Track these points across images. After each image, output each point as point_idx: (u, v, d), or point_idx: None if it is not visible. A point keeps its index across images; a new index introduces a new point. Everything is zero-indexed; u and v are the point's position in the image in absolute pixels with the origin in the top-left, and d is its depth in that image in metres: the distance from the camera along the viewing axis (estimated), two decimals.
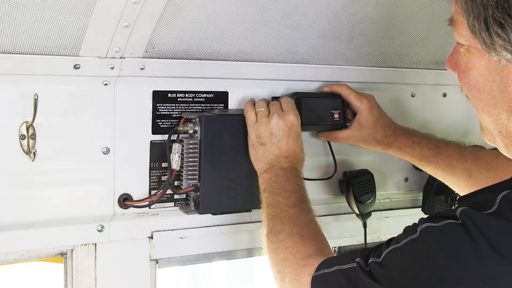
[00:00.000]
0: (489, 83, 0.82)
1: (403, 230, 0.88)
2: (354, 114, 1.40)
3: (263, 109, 1.27)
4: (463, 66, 0.87)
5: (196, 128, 1.25)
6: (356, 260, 0.90)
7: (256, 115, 1.26)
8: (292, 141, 1.24)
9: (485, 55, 0.80)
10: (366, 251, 0.91)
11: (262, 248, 1.17)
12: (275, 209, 1.17)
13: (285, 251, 1.08)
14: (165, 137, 1.28)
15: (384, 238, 1.61)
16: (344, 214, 1.53)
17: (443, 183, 1.43)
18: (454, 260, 0.78)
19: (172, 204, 1.32)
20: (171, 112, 1.29)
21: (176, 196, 1.31)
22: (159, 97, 1.27)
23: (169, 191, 1.28)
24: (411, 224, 0.87)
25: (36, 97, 1.12)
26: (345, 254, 1.02)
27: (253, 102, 1.30)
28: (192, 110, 1.31)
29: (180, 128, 1.25)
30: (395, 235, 0.89)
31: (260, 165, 1.24)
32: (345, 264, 0.92)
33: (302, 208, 1.16)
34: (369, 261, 0.88)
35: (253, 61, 1.34)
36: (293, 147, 1.24)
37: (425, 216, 0.87)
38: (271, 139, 1.23)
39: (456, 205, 0.83)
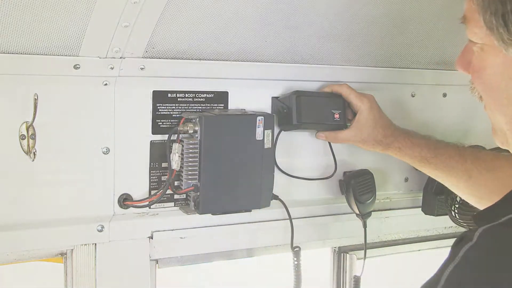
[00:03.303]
0: (504, 81, 0.80)
1: None
2: (354, 115, 1.40)
3: None
4: (477, 66, 0.84)
5: (196, 128, 1.25)
6: None
7: None
8: None
9: (500, 52, 0.78)
10: None
11: None
12: None
13: None
14: (165, 137, 1.28)
15: (384, 238, 1.61)
16: (344, 214, 1.53)
17: None
18: None
19: (172, 204, 1.32)
20: (171, 112, 1.29)
21: (176, 196, 1.31)
22: (159, 97, 1.27)
23: (169, 191, 1.28)
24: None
25: (36, 97, 1.12)
26: None
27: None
28: (192, 110, 1.31)
29: (180, 128, 1.25)
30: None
31: None
32: None
33: None
34: None
35: (253, 61, 1.34)
36: None
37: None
38: None
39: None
